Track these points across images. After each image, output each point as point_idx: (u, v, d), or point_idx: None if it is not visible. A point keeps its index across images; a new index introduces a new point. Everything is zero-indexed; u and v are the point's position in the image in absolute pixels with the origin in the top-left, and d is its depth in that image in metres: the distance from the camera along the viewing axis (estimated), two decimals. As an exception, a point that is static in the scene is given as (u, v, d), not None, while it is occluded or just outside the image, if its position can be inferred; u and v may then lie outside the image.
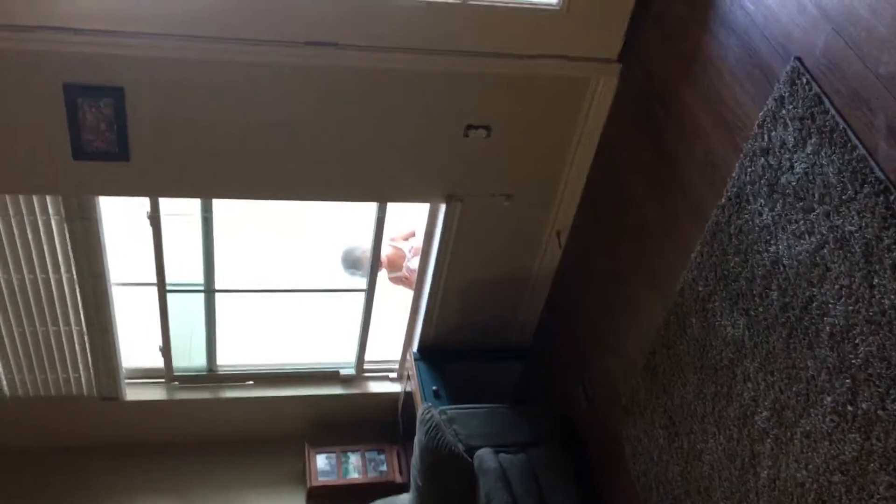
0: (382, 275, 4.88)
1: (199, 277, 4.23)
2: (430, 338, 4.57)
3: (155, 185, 3.67)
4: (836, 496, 2.25)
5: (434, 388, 4.36)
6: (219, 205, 3.97)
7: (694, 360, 2.97)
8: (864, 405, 2.15)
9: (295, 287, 4.83)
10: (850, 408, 2.20)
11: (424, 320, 4.50)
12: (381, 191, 3.88)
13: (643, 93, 3.40)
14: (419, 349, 4.62)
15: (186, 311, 4.41)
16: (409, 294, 4.71)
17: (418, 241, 4.81)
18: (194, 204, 3.88)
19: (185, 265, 4.19)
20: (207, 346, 4.57)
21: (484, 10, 3.29)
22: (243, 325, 5.14)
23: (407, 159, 3.73)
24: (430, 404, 4.07)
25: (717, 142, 2.86)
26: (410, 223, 4.95)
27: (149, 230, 3.91)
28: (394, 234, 5.03)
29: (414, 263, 4.74)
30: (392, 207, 4.11)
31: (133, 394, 4.62)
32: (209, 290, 4.27)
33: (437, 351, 4.59)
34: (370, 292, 4.46)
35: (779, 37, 2.53)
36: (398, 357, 4.90)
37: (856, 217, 2.17)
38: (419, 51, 3.34)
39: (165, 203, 3.86)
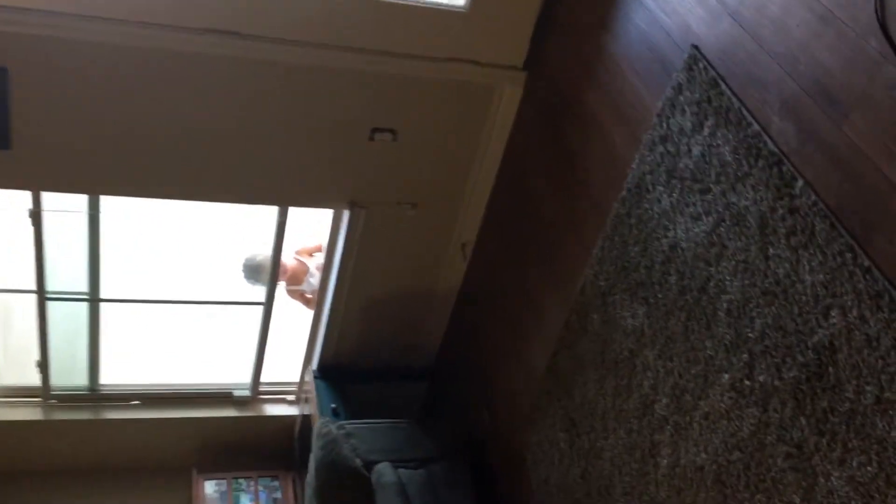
0: (282, 286, 4.73)
1: (82, 285, 3.99)
2: (330, 357, 4.42)
3: (38, 178, 3.46)
4: (734, 474, 2.23)
5: (333, 405, 4.20)
6: (109, 203, 3.77)
7: (595, 357, 2.94)
8: (760, 378, 2.14)
9: (187, 298, 4.60)
10: (747, 382, 2.19)
11: (325, 337, 4.36)
12: (282, 194, 3.76)
13: (548, 99, 3.43)
14: (319, 368, 4.46)
15: (68, 323, 4.14)
16: (308, 311, 4.56)
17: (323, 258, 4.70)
18: (81, 201, 3.67)
19: (67, 270, 3.94)
20: (90, 362, 4.28)
21: (388, 7, 3.27)
22: (131, 340, 4.86)
23: (310, 161, 3.65)
24: (327, 418, 3.91)
25: (619, 137, 2.89)
26: (318, 238, 4.83)
27: (29, 229, 3.67)
28: (299, 247, 4.90)
29: (317, 280, 4.61)
30: (299, 220, 4.00)
31: (4, 413, 4.28)
32: (94, 299, 4.02)
33: (337, 370, 4.44)
34: (268, 305, 4.29)
35: (678, 29, 2.59)
36: (296, 378, 4.72)
37: (751, 192, 2.20)
38: (323, 46, 3.29)
39: (48, 199, 3.63)
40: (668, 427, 2.52)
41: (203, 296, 4.98)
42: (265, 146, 3.54)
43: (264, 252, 4.62)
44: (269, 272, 4.26)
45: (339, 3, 3.21)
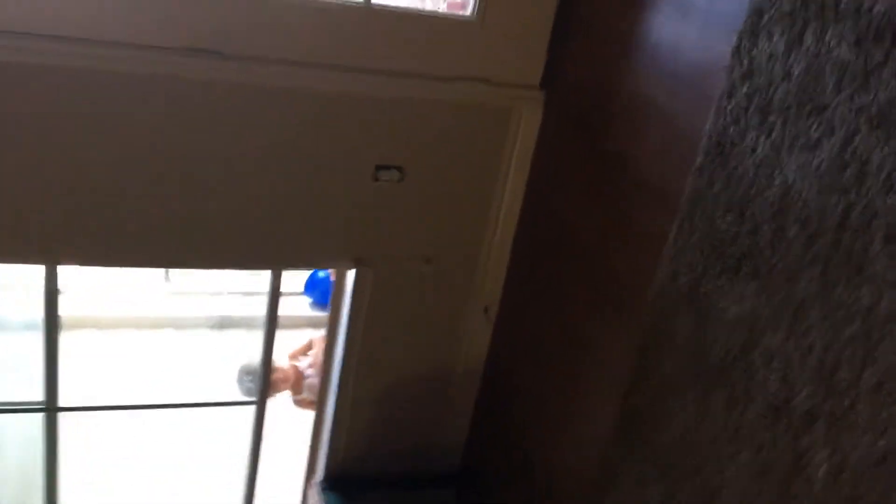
0: (283, 397, 4.07)
1: (37, 392, 3.31)
2: (338, 464, 3.71)
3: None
4: (945, 450, 1.62)
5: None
6: (67, 286, 3.19)
7: (690, 373, 2.34)
8: (961, 305, 1.59)
9: (168, 402, 3.90)
10: (939, 318, 1.63)
11: (331, 441, 3.66)
12: (276, 254, 3.22)
13: (577, 107, 3.02)
14: (325, 479, 3.73)
15: (18, 443, 3.41)
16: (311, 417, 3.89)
17: (318, 353, 4.09)
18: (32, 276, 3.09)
19: (16, 372, 3.28)
20: (47, 491, 3.51)
21: (390, 17, 2.92)
22: (96, 461, 4.08)
23: (307, 211, 3.14)
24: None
25: (680, 105, 2.46)
26: (305, 336, 4.24)
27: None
28: (291, 350, 4.29)
29: (314, 380, 3.99)
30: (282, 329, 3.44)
31: (-62, 569, 3.44)
32: (51, 409, 3.33)
33: (347, 480, 3.72)
34: (261, 406, 3.62)
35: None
36: (298, 499, 3.95)
37: (892, 79, 1.74)
38: (315, 65, 2.88)
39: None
40: (819, 422, 1.91)
41: (182, 399, 4.27)
42: (253, 194, 3.04)
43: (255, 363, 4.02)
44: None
45: (331, 15, 2.84)
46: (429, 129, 3.12)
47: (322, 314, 5.74)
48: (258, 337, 4.36)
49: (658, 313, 2.48)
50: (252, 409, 3.64)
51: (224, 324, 6.18)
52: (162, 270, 6.42)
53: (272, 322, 3.36)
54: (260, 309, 4.90)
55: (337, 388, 3.54)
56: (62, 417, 3.38)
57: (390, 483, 3.75)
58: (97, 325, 5.78)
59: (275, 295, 3.29)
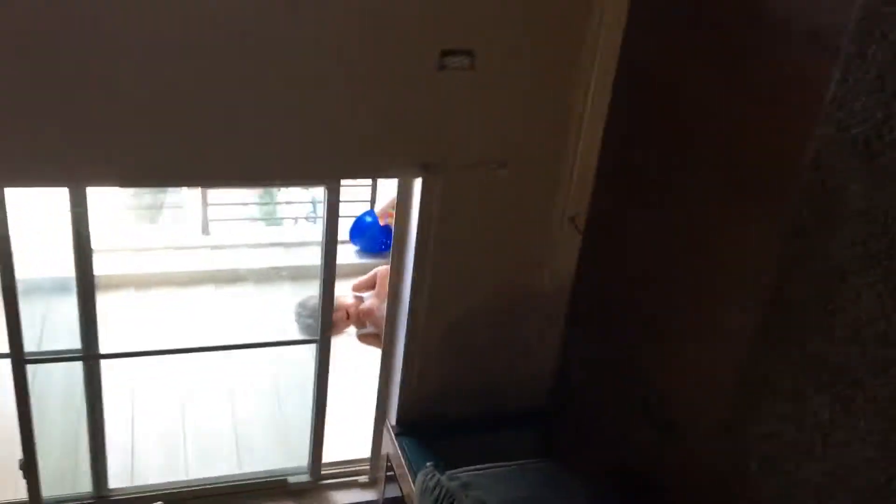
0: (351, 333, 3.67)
1: (74, 340, 2.93)
2: (411, 406, 3.29)
3: (-5, 167, 2.49)
4: None
5: (429, 463, 3.03)
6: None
7: (865, 252, 1.86)
8: None
9: (216, 343, 3.50)
10: None
11: (402, 382, 3.24)
12: (331, 164, 2.77)
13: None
14: (398, 423, 3.31)
15: (59, 399, 3.04)
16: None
17: (383, 285, 3.67)
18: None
19: (53, 320, 2.89)
20: (93, 456, 3.15)
21: None
22: (146, 420, 3.72)
23: (364, 110, 2.68)
24: (432, 466, 2.75)
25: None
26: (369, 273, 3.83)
27: (-9, 253, 2.65)
28: (354, 282, 3.88)
29: (381, 312, 3.58)
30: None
31: (-21, 542, 3.11)
32: (90, 356, 2.95)
33: (422, 424, 3.30)
34: (324, 344, 3.20)
35: None
36: (368, 453, 3.55)
37: None
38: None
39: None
40: None
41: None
42: (302, 93, 2.59)
43: (313, 298, 3.61)
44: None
45: None
46: (502, 2, 2.64)
47: (371, 261, 5.33)
48: (308, 289, 3.96)
49: (817, 183, 1.99)
50: (313, 347, 3.24)
51: (270, 276, 5.80)
52: (199, 223, 6.06)
53: (332, 245, 2.92)
54: (308, 259, 4.51)
55: (407, 318, 3.11)
56: (106, 368, 3.00)
57: (471, 425, 3.33)
58: (134, 283, 5.43)
59: (333, 213, 2.85)
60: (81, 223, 2.63)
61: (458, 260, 3.04)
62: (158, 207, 7.27)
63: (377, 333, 3.70)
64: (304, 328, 3.69)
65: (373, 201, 6.05)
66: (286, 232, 6.63)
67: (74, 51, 2.33)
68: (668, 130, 2.61)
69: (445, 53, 2.65)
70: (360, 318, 3.66)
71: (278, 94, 2.57)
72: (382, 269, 3.71)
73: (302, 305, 3.72)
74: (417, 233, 2.92)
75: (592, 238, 3.05)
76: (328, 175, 2.78)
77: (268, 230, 6.76)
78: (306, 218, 6.93)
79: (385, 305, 3.52)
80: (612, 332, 2.98)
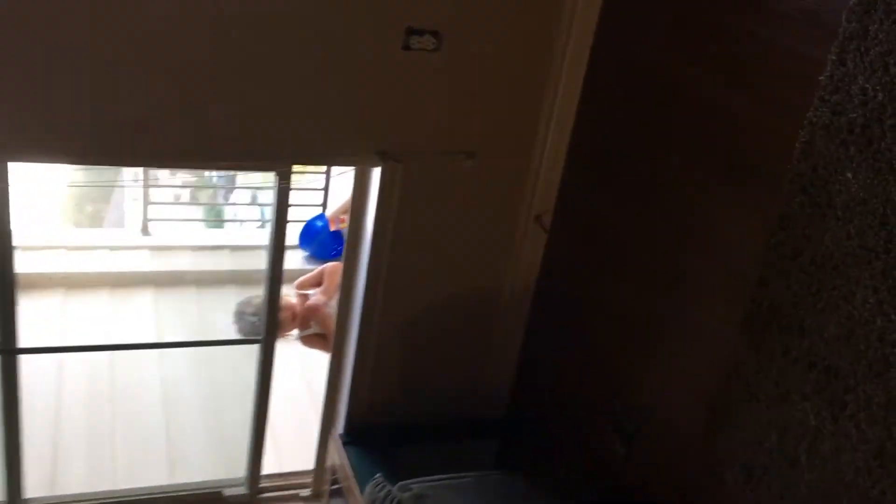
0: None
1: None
2: (361, 413, 3.08)
3: None
4: None
5: (378, 474, 2.82)
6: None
7: (863, 244, 1.74)
8: None
9: (148, 341, 3.23)
10: None
11: (352, 386, 3.03)
12: (282, 147, 2.56)
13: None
14: (347, 432, 3.10)
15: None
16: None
17: (331, 282, 3.46)
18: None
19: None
20: (7, 463, 2.86)
21: None
22: (71, 425, 3.43)
23: (321, 90, 2.49)
24: (381, 477, 2.54)
25: None
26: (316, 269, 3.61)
27: None
28: (299, 279, 3.65)
29: (328, 311, 3.36)
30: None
31: None
32: (6, 350, 2.67)
33: (373, 432, 3.09)
34: (268, 345, 2.97)
35: None
36: (312, 465, 3.32)
37: None
38: None
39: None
40: None
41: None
42: (254, 69, 2.39)
43: (256, 297, 3.38)
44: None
45: None
46: (471, -19, 2.49)
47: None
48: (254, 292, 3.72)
49: (808, 170, 1.86)
50: (255, 349, 3.01)
51: (213, 280, 5.52)
52: (139, 223, 5.76)
53: (280, 236, 2.70)
54: (254, 264, 4.27)
55: (359, 318, 2.90)
56: (23, 364, 2.72)
57: (424, 434, 3.13)
58: (66, 283, 5.10)
59: (283, 202, 2.64)
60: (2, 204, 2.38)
61: (416, 257, 2.85)
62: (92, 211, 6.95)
63: (323, 334, 3.48)
64: (246, 329, 3.45)
65: (324, 205, 5.83)
66: (231, 235, 6.36)
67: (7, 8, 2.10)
68: (645, 118, 2.47)
69: (410, 32, 2.48)
70: (305, 316, 3.43)
71: (226, 69, 2.36)
72: (330, 265, 3.51)
73: (245, 304, 3.48)
74: (374, 226, 2.73)
75: (559, 235, 2.90)
76: (278, 158, 2.58)
77: (211, 232, 6.48)
78: (254, 222, 6.69)
79: (334, 302, 3.32)
80: (579, 334, 2.82)
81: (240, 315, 3.47)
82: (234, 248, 5.84)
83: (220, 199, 6.87)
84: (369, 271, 2.82)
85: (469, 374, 3.13)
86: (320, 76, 2.47)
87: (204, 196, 6.77)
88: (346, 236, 2.86)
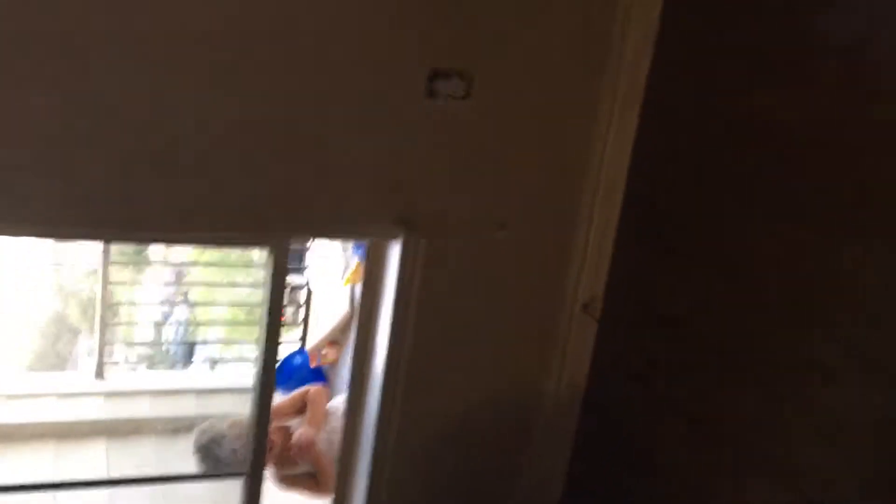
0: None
1: None
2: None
3: None
4: None
5: None
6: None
7: None
8: None
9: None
10: None
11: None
12: (280, 219, 2.06)
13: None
14: (354, 590, 2.42)
15: None
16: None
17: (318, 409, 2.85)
18: None
19: None
20: None
21: None
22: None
23: (328, 148, 2.04)
24: None
25: None
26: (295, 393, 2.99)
27: None
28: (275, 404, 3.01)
29: (320, 446, 2.75)
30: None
31: None
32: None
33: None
34: (255, 481, 2.34)
35: None
36: None
37: None
38: None
39: None
40: None
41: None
42: (247, 126, 1.95)
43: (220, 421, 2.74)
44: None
45: None
46: (505, 16, 2.11)
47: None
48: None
49: None
50: (232, 488, 2.37)
51: (179, 427, 4.82)
52: (92, 365, 5.11)
53: (274, 325, 2.15)
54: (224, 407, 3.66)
55: (372, 443, 2.30)
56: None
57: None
58: (6, 436, 4.39)
59: (279, 281, 2.10)
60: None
61: (441, 355, 2.32)
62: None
63: (311, 474, 2.82)
64: (215, 466, 2.69)
65: (303, 339, 5.25)
66: (195, 377, 5.73)
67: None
68: (719, 167, 2.04)
69: (435, 76, 2.07)
70: (289, 454, 2.73)
71: (218, 123, 1.91)
72: (313, 388, 2.92)
73: (207, 432, 2.71)
74: (394, 311, 2.19)
75: (614, 325, 2.39)
76: (278, 234, 2.07)
77: (172, 375, 5.84)
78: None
79: (325, 435, 2.72)
80: (645, 449, 2.26)
81: (205, 447, 2.69)
82: (201, 392, 5.21)
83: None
84: (385, 380, 2.26)
85: (509, 491, 2.52)
86: (327, 129, 2.02)
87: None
88: (358, 315, 2.32)
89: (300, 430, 2.78)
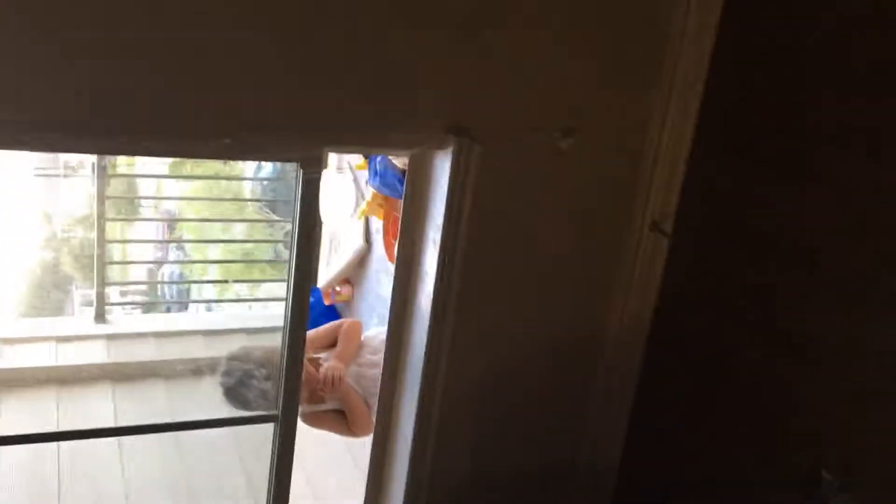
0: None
1: None
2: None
3: None
4: None
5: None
6: None
7: None
8: None
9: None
10: None
11: (409, 478, 2.14)
12: (310, 123, 1.76)
13: None
14: (399, 541, 2.19)
15: None
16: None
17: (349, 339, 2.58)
18: None
19: None
20: None
21: None
22: None
23: (364, 38, 1.72)
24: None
25: None
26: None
27: None
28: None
29: (361, 374, 2.49)
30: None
31: None
32: None
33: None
34: (288, 423, 2.09)
35: None
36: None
37: None
38: None
39: None
40: None
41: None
42: (271, 19, 1.63)
43: (245, 357, 2.44)
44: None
45: None
46: None
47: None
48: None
49: None
50: (269, 428, 2.12)
51: (188, 370, 4.58)
52: (91, 311, 4.86)
53: (305, 262, 1.87)
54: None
55: (419, 383, 2.04)
56: None
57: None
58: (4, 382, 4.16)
59: (310, 200, 1.81)
60: None
61: (495, 286, 2.04)
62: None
63: (340, 411, 2.54)
64: (242, 401, 2.36)
65: (315, 276, 4.98)
66: (201, 318, 5.50)
67: None
68: (820, 61, 1.74)
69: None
70: (316, 388, 2.43)
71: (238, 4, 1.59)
72: (347, 321, 2.62)
73: (238, 358, 2.36)
74: (441, 241, 1.90)
75: (690, 243, 2.11)
76: (303, 138, 1.76)
77: (176, 317, 5.61)
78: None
79: (357, 369, 2.46)
80: (725, 384, 2.00)
81: (228, 374, 2.31)
82: (209, 333, 4.99)
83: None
84: (434, 315, 1.98)
85: (560, 450, 2.28)
86: (365, 16, 1.70)
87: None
88: (397, 244, 2.04)
89: (328, 363, 2.50)
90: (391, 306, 2.10)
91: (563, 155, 1.95)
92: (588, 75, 1.93)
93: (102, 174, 4.33)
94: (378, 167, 3.48)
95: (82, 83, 1.55)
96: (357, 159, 3.75)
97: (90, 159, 4.23)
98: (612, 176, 2.05)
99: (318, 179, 1.80)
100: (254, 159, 1.63)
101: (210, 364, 4.35)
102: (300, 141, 1.76)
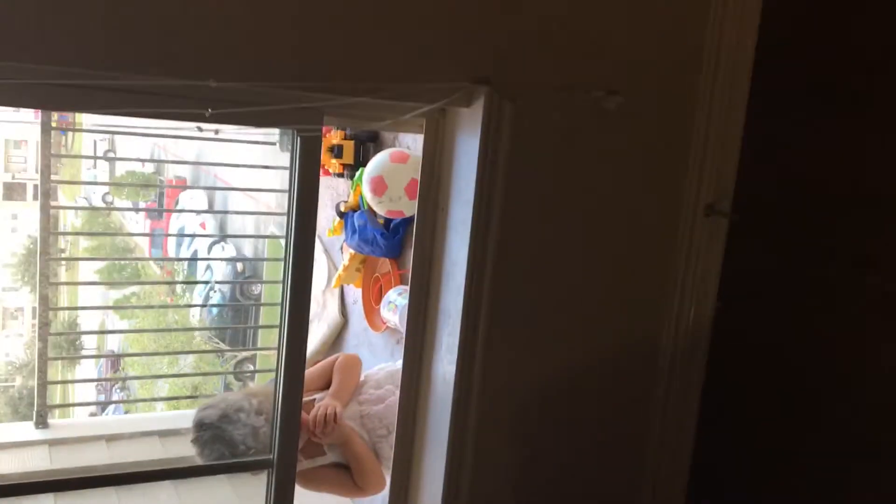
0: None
1: None
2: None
3: None
4: None
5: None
6: None
7: None
8: None
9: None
10: None
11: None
12: (328, 65, 1.44)
13: None
14: None
15: None
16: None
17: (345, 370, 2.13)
18: None
19: None
20: None
21: None
22: None
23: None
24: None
25: None
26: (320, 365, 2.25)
27: None
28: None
29: (355, 413, 2.04)
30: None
31: None
32: None
33: None
34: (284, 470, 1.65)
35: None
36: None
37: None
38: None
39: None
40: None
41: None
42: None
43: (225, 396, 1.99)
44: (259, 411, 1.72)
45: None
46: None
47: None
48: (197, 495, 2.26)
49: None
50: (255, 483, 1.68)
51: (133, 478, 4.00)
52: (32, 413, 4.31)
53: (306, 230, 1.51)
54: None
55: (450, 420, 1.64)
56: None
57: None
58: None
59: (308, 179, 1.46)
60: None
61: (535, 288, 1.69)
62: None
63: (341, 465, 2.06)
64: (218, 450, 1.85)
65: (311, 275, 4.49)
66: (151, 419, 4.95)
67: None
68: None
69: None
70: (312, 436, 1.93)
71: None
72: (341, 356, 2.18)
73: (213, 406, 1.86)
74: (476, 204, 1.56)
75: (749, 226, 1.80)
76: (312, 91, 1.44)
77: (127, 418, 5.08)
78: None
79: (357, 407, 2.05)
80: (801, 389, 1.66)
81: (202, 428, 1.81)
82: (165, 434, 4.45)
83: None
84: (465, 313, 1.61)
85: (614, 479, 1.88)
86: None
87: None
88: (416, 231, 1.68)
89: (322, 402, 2.03)
90: (407, 325, 1.73)
91: (608, 126, 1.65)
92: (641, 18, 1.67)
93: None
94: (356, 222, 3.14)
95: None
96: (327, 224, 3.34)
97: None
98: (661, 149, 1.76)
99: (319, 139, 1.46)
100: (245, 124, 1.33)
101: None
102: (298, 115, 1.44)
